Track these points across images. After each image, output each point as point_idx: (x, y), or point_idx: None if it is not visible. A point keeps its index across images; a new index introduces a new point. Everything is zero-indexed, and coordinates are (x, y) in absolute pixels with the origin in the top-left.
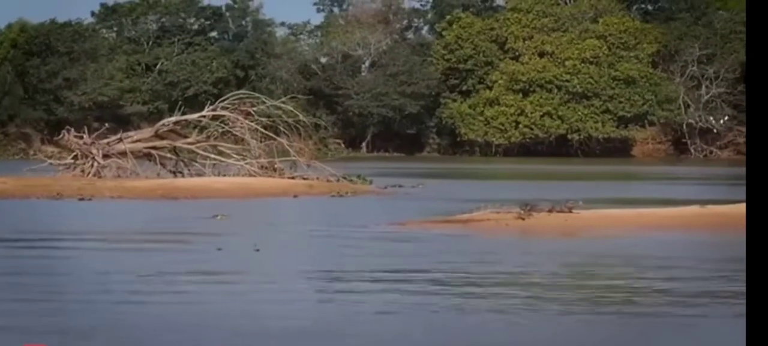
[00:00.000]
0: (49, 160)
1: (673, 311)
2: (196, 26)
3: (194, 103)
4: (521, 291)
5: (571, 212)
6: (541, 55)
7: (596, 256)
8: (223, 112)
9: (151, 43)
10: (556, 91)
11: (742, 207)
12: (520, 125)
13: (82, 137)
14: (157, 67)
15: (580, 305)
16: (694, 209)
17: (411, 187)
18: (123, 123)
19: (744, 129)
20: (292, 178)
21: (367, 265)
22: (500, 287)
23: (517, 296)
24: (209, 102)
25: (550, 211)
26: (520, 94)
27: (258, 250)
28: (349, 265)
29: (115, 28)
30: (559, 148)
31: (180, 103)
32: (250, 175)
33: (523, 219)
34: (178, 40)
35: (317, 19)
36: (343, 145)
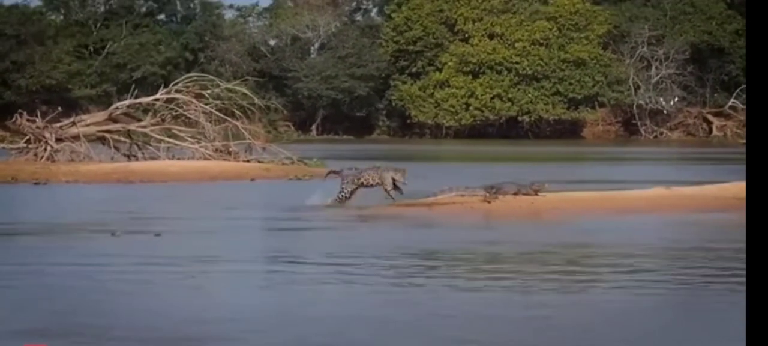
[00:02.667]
0: (1, 145)
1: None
2: (144, 8)
3: (143, 86)
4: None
5: (536, 194)
6: (491, 36)
7: (594, 245)
8: (176, 95)
9: (98, 25)
10: (506, 73)
11: (707, 189)
12: (471, 107)
13: (34, 121)
14: (106, 50)
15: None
16: (659, 190)
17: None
18: (71, 106)
19: (693, 110)
20: (247, 161)
21: (343, 247)
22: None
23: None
24: (159, 85)
25: (515, 194)
26: (470, 76)
27: (158, 235)
28: (314, 249)
29: (62, 11)
30: (510, 130)
31: (132, 86)
32: (205, 158)
33: (489, 202)
34: (126, 22)
35: (266, 1)
36: (292, 128)
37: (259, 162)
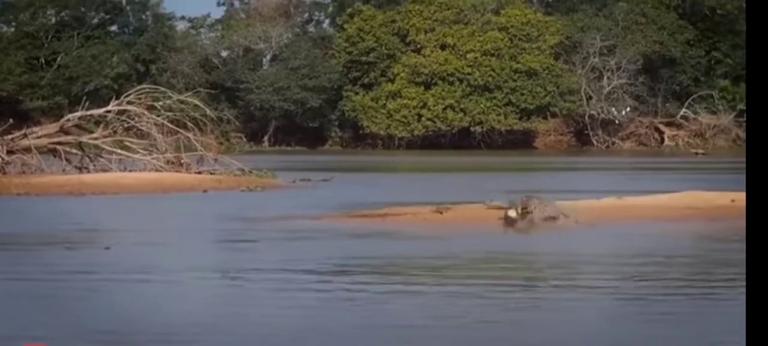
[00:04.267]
0: None
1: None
2: (95, 20)
3: (95, 98)
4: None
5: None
6: (443, 47)
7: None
8: (128, 107)
9: (50, 37)
10: (458, 83)
11: (658, 198)
12: (423, 118)
13: None
14: (57, 61)
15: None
16: (611, 199)
17: (322, 180)
18: (23, 118)
19: (645, 120)
20: (200, 172)
21: (284, 261)
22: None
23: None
24: (111, 96)
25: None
26: (423, 87)
27: (108, 248)
28: (261, 261)
29: (13, 23)
30: (462, 140)
31: (83, 97)
32: (157, 170)
33: (442, 213)
34: (78, 34)
35: (218, 12)
36: (244, 139)
37: (211, 173)
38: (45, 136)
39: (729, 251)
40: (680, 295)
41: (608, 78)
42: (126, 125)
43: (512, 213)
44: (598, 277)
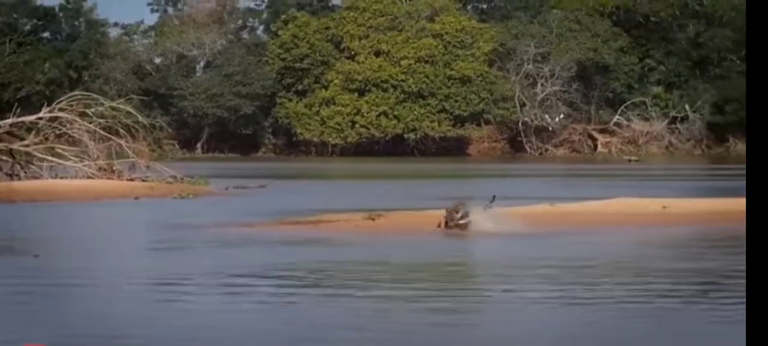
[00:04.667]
0: None
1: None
2: (28, 26)
3: (27, 105)
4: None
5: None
6: (377, 54)
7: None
8: (60, 114)
9: None
10: (392, 90)
11: (590, 205)
12: (357, 125)
13: None
14: None
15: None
16: (544, 206)
17: (257, 187)
18: None
19: (578, 127)
20: (132, 179)
21: (215, 268)
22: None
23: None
24: (43, 103)
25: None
26: (356, 94)
27: (37, 256)
28: (190, 267)
29: None
30: (396, 147)
31: (14, 104)
32: (89, 177)
33: (374, 220)
34: (10, 40)
35: (151, 19)
36: (177, 146)
37: (143, 180)
38: None
39: (656, 259)
40: (604, 301)
41: (542, 85)
42: (58, 132)
43: (459, 219)
44: (523, 283)
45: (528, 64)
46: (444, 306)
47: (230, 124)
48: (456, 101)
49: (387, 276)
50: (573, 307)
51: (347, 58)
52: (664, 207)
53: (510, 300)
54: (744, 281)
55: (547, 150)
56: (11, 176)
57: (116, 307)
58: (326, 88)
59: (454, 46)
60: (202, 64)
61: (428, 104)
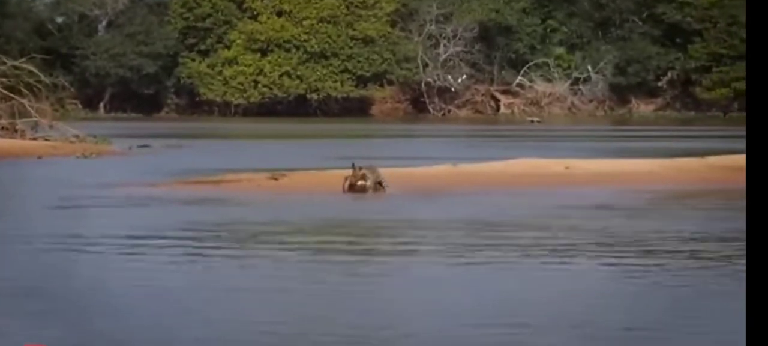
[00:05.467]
0: None
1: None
2: None
3: None
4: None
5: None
6: (279, 14)
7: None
8: None
9: None
10: (294, 50)
11: (492, 165)
12: (259, 85)
13: None
14: None
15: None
16: (446, 167)
17: (164, 147)
18: None
19: (481, 88)
20: (34, 139)
21: (117, 227)
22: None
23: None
24: None
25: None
26: (259, 54)
27: None
28: (98, 228)
29: None
30: (298, 107)
31: None
32: None
33: (277, 179)
34: None
35: None
36: (80, 106)
37: (46, 140)
38: None
39: (553, 217)
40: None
41: (445, 46)
42: None
43: (359, 181)
44: (416, 242)
45: (430, 24)
46: (345, 262)
47: (133, 83)
48: (359, 62)
49: (290, 234)
50: (474, 266)
51: (250, 18)
52: (567, 168)
53: (403, 257)
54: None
55: (449, 111)
56: None
57: (16, 267)
58: (229, 48)
59: (357, 6)
60: (104, 23)
61: (331, 65)
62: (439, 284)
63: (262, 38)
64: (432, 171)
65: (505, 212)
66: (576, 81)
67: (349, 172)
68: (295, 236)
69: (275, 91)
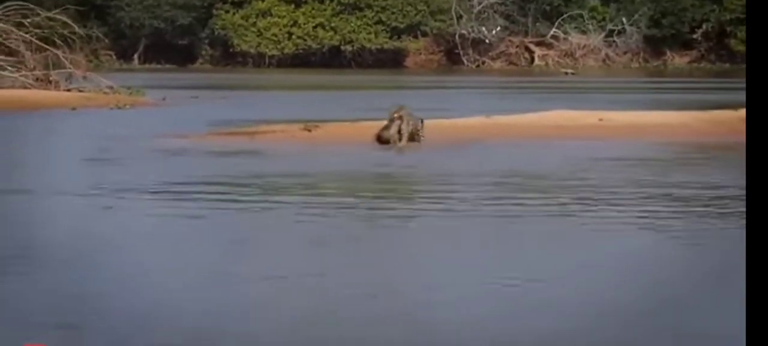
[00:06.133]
0: None
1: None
2: None
3: None
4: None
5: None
6: None
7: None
8: None
9: None
10: (328, 1)
11: (526, 117)
12: (293, 36)
13: None
14: None
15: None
16: (480, 118)
17: (192, 98)
18: None
19: (515, 40)
20: (68, 90)
21: (150, 177)
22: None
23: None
24: None
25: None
26: (293, 5)
27: None
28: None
29: None
30: (332, 59)
31: None
32: (25, 87)
33: (310, 131)
34: None
35: None
36: (114, 57)
37: (80, 91)
38: None
39: (588, 170)
40: (536, 214)
41: None
42: None
43: (384, 132)
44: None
45: None
46: (384, 214)
47: (167, 35)
48: (393, 13)
49: (327, 185)
50: (501, 219)
51: None
52: (601, 120)
53: (447, 208)
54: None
55: (483, 63)
56: None
57: (55, 220)
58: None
59: None
60: None
61: (365, 16)
62: (464, 238)
63: None
64: (466, 122)
65: (538, 163)
66: (610, 33)
67: (384, 123)
68: (326, 186)
69: (309, 42)
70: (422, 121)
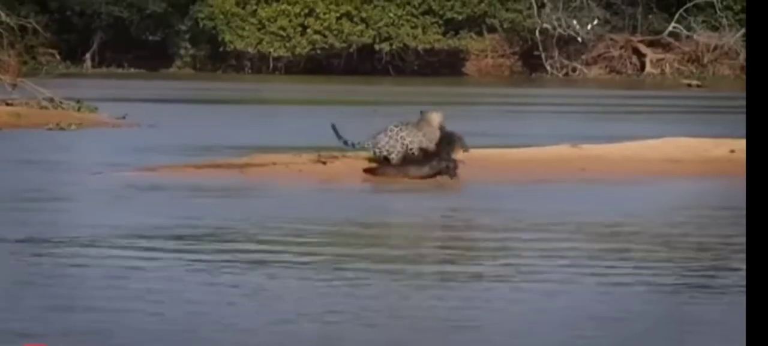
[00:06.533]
0: None
1: None
2: None
3: None
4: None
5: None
6: None
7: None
8: None
9: None
10: None
11: (629, 146)
12: (309, 31)
13: None
14: None
15: None
16: (564, 147)
17: (173, 116)
18: None
19: (619, 38)
20: None
21: (103, 226)
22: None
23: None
24: None
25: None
26: None
27: None
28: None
29: None
30: (363, 63)
31: None
32: None
33: (325, 163)
34: None
35: None
36: (58, 58)
37: (7, 105)
38: None
39: (718, 224)
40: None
41: None
42: None
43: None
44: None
45: None
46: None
47: (132, 27)
48: (448, 0)
49: (325, 241)
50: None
51: None
52: (733, 151)
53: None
54: None
55: (574, 69)
56: None
57: None
58: None
59: None
60: None
61: (408, 3)
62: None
63: None
64: (542, 153)
65: (642, 212)
66: None
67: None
68: (331, 241)
69: (330, 39)
70: (463, 146)
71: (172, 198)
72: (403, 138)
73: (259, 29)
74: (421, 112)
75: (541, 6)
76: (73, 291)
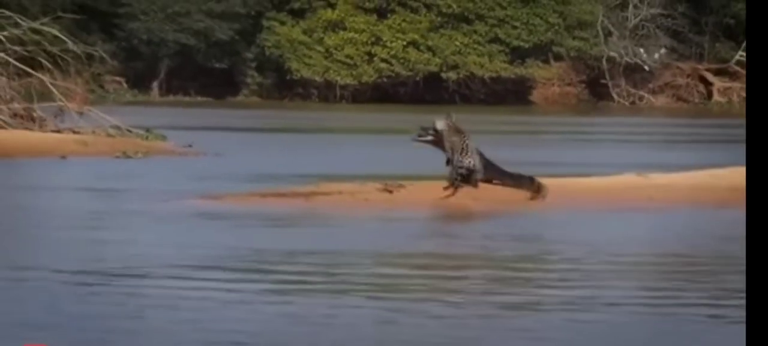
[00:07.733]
0: None
1: None
2: None
3: None
4: None
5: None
6: None
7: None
8: None
9: None
10: (424, 11)
11: (696, 176)
12: (375, 59)
13: None
14: None
15: None
16: (630, 176)
17: (241, 144)
18: None
19: (686, 66)
20: (58, 131)
21: (171, 255)
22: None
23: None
24: None
25: None
26: (375, 15)
27: None
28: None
29: None
30: (430, 91)
31: None
32: None
33: (391, 192)
34: None
35: None
36: (125, 85)
37: (74, 132)
38: None
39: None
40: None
41: (635, 6)
42: None
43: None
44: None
45: None
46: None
47: (199, 55)
48: (514, 27)
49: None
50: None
51: None
52: None
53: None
54: None
55: (641, 98)
56: None
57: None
58: (333, 6)
59: None
60: None
61: (475, 31)
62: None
63: None
64: (609, 182)
65: (705, 240)
66: None
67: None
68: (400, 272)
69: (397, 67)
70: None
71: (236, 226)
72: (476, 148)
73: (325, 57)
74: (443, 122)
75: (608, 34)
76: (135, 322)
